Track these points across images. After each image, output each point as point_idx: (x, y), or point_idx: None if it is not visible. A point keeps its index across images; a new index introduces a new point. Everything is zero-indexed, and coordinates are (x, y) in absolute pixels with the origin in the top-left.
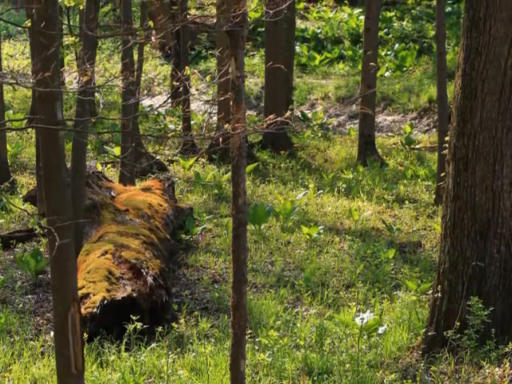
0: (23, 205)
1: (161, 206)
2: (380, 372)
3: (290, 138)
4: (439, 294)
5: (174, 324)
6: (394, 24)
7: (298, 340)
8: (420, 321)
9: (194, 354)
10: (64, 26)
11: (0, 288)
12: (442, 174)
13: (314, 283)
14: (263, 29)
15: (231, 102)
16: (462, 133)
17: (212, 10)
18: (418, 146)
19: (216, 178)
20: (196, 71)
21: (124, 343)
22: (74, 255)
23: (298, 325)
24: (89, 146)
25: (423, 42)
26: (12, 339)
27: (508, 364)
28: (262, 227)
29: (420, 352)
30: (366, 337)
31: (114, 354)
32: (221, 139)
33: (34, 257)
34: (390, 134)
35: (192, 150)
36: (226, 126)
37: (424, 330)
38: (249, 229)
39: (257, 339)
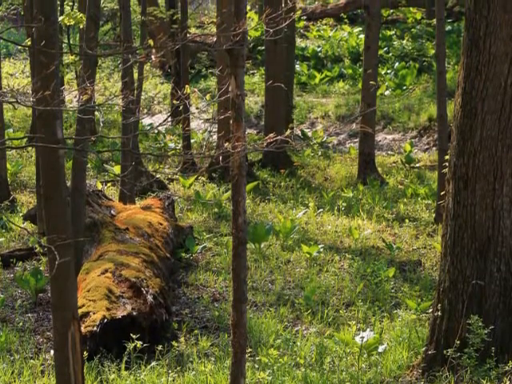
0: (23, 223)
1: (161, 224)
2: None
3: (290, 156)
4: (439, 313)
5: (174, 343)
6: (394, 42)
7: (298, 359)
8: (420, 339)
9: (193, 372)
10: (64, 45)
11: (0, 307)
12: (442, 193)
13: (314, 302)
14: (263, 47)
15: (231, 121)
16: (462, 151)
17: (212, 28)
18: (418, 165)
19: (216, 196)
20: (196, 90)
21: (124, 362)
22: (74, 274)
23: (298, 343)
24: (89, 165)
25: (423, 60)
26: (12, 358)
27: (508, 383)
28: (262, 246)
29: (420, 371)
30: (366, 355)
31: (114, 372)
32: (221, 158)
33: (34, 275)
34: (390, 152)
35: (192, 169)
36: (226, 144)
37: (424, 349)
38: (249, 247)
39: (257, 358)
